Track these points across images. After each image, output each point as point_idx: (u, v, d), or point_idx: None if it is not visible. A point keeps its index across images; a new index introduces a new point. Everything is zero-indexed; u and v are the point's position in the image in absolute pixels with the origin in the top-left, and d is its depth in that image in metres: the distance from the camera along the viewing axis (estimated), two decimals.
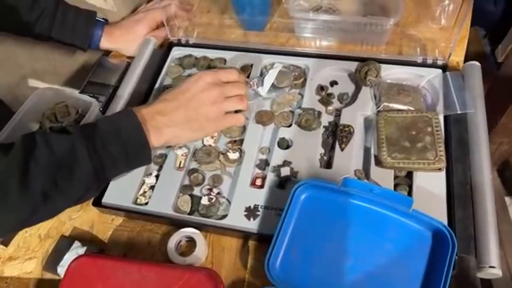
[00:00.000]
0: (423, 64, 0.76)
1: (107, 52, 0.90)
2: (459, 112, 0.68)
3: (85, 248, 0.63)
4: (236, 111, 0.69)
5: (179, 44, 0.87)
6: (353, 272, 0.56)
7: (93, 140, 0.54)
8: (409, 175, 0.65)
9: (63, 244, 0.64)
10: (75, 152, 0.53)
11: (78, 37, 0.81)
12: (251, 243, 0.63)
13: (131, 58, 0.86)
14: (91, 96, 0.77)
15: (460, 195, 0.61)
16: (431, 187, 0.63)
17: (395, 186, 0.64)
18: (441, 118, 0.68)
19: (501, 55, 1.38)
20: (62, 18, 0.79)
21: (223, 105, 0.66)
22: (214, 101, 0.65)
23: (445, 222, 0.59)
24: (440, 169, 0.63)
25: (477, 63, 0.73)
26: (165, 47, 0.87)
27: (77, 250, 0.63)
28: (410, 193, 0.63)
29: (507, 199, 1.48)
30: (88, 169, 0.53)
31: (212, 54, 0.84)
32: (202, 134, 0.67)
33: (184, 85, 0.65)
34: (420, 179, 0.63)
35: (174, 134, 0.62)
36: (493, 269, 0.54)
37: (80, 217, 0.69)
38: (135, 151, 0.57)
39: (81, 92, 0.81)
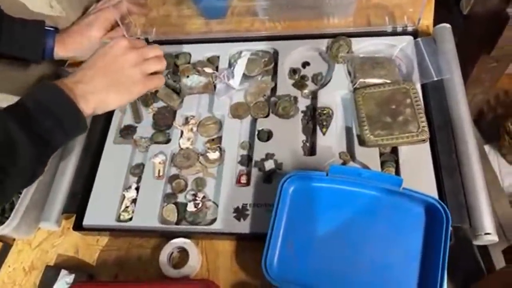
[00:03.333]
0: (394, 33, 0.74)
1: (63, 61, 0.84)
2: (435, 79, 0.66)
3: (73, 275, 0.60)
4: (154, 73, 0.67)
5: None
6: (352, 258, 0.55)
7: (26, 120, 0.53)
8: (394, 150, 0.64)
9: (50, 274, 0.61)
10: (11, 136, 0.51)
11: (28, 50, 0.75)
12: (246, 243, 0.61)
13: None
14: None
15: (447, 164, 0.60)
16: (417, 159, 0.62)
17: (382, 163, 0.62)
18: (418, 87, 0.67)
19: (466, 7, 1.37)
20: (8, 32, 0.73)
21: (145, 66, 0.64)
22: (135, 63, 0.63)
23: (435, 193, 0.59)
24: (424, 140, 0.62)
25: (447, 25, 0.71)
26: None
27: (65, 279, 0.60)
28: (397, 169, 0.62)
29: (486, 147, 1.51)
30: (30, 150, 0.52)
31: (175, 49, 0.80)
32: (130, 97, 0.63)
33: (100, 52, 0.63)
34: (406, 153, 0.62)
35: (101, 99, 0.60)
36: (489, 236, 0.54)
37: (62, 242, 0.66)
38: (70, 121, 0.56)
39: None
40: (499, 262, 0.81)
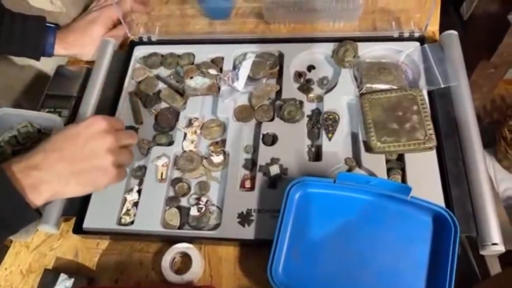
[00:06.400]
0: (400, 38, 0.73)
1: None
2: (442, 86, 0.66)
3: (72, 279, 0.59)
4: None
5: (141, 42, 0.80)
6: (358, 266, 0.54)
7: None
8: (401, 157, 0.63)
9: (48, 278, 0.60)
10: None
11: (28, 47, 0.74)
12: (250, 249, 0.61)
13: (91, 63, 0.79)
14: (52, 112, 0.72)
15: (454, 172, 0.60)
16: (424, 167, 0.61)
17: (388, 170, 0.62)
18: (424, 94, 0.66)
19: (466, 12, 1.37)
20: (8, 28, 0.71)
21: (119, 157, 0.56)
22: (109, 150, 0.54)
23: (442, 202, 0.58)
24: (431, 148, 0.61)
25: (455, 32, 0.71)
26: (127, 47, 0.80)
27: (64, 283, 0.59)
28: (403, 176, 0.62)
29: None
30: None
31: (178, 49, 0.79)
32: (91, 189, 0.56)
33: (72, 131, 0.54)
34: (412, 161, 0.62)
35: (57, 190, 0.52)
36: (496, 246, 0.54)
37: (61, 245, 0.64)
38: (13, 216, 0.50)
39: (40, 108, 0.74)
40: (494, 267, 0.82)
